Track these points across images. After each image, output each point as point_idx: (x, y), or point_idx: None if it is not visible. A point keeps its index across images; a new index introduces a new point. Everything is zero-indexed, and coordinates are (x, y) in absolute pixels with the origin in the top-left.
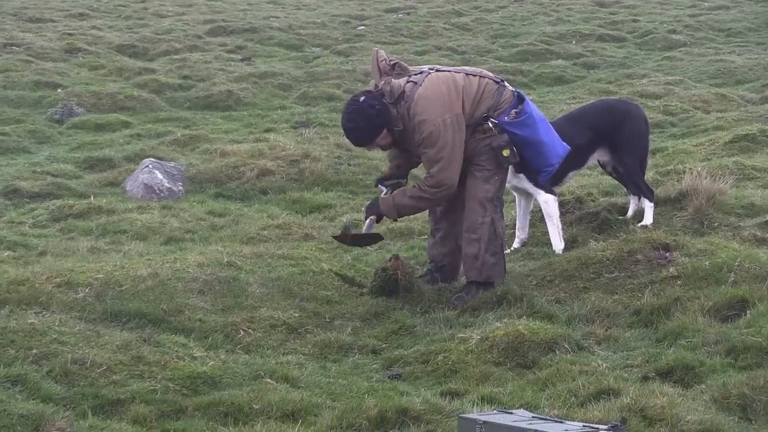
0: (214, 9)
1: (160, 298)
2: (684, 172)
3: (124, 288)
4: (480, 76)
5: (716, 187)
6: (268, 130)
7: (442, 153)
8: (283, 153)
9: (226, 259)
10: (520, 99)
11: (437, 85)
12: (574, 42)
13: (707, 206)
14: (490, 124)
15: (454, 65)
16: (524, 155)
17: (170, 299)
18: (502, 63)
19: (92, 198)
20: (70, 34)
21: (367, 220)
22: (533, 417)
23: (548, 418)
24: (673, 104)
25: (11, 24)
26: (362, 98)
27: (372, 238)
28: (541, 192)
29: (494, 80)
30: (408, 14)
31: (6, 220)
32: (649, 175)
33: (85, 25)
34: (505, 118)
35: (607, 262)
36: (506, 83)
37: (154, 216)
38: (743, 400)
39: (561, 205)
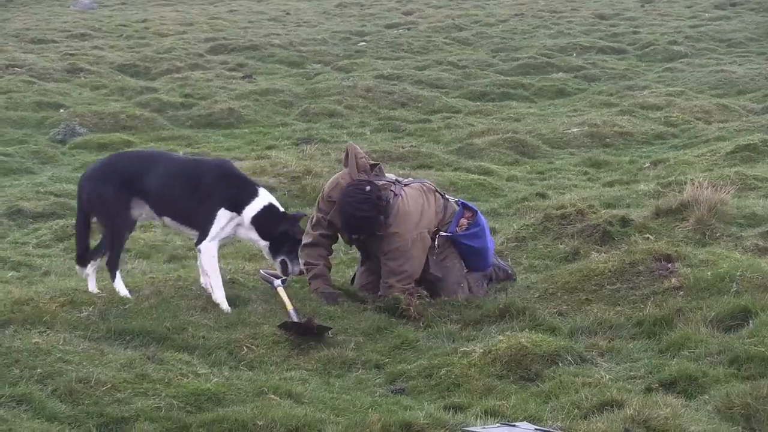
0: (215, 27)
1: (163, 316)
2: (685, 182)
3: (127, 306)
4: (436, 192)
5: (718, 197)
6: (269, 147)
7: (404, 266)
8: (285, 170)
9: (228, 277)
10: (466, 207)
11: (416, 199)
12: (574, 55)
13: (709, 217)
14: (438, 240)
15: (455, 80)
16: (468, 260)
17: (173, 317)
18: (502, 77)
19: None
20: (71, 55)
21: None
22: (536, 429)
23: (551, 430)
24: (675, 115)
25: (13, 45)
26: (368, 188)
27: (323, 329)
28: None
29: (441, 195)
30: (408, 29)
31: (10, 240)
32: (651, 186)
33: (86, 46)
34: (455, 228)
35: (609, 273)
36: (448, 196)
37: (156, 234)
38: (747, 410)
39: (562, 217)
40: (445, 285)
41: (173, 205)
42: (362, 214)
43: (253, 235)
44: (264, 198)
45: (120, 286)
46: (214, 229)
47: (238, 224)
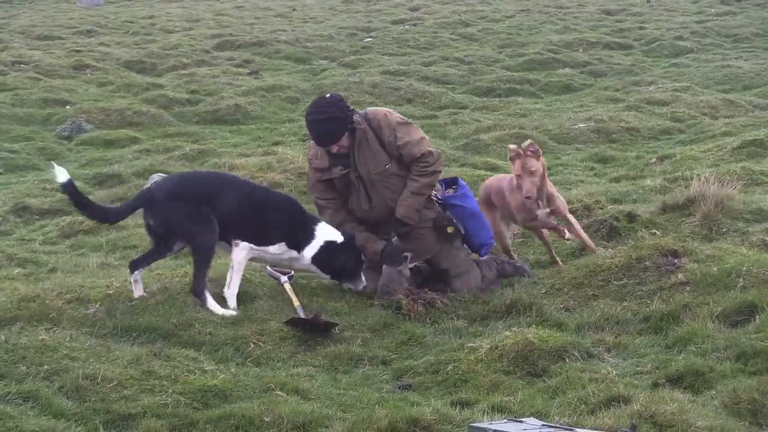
0: (221, 23)
1: (170, 313)
2: (692, 178)
3: (134, 303)
4: None
5: (724, 192)
6: (276, 143)
7: (420, 132)
8: (292, 166)
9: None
10: (454, 181)
11: None
12: (581, 50)
13: (715, 212)
14: (433, 198)
15: (461, 76)
16: (468, 227)
17: (180, 313)
18: (509, 72)
19: None
20: (78, 51)
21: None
22: (543, 425)
23: (558, 426)
24: (681, 111)
25: (19, 42)
26: (328, 95)
27: (330, 325)
28: None
29: None
30: (414, 25)
31: (16, 237)
32: (658, 181)
33: (93, 42)
34: (444, 193)
35: (616, 269)
36: None
37: None
38: (753, 405)
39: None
40: (457, 277)
41: (237, 232)
42: (328, 115)
43: (314, 269)
44: (322, 236)
45: (215, 306)
46: (266, 249)
47: (296, 259)
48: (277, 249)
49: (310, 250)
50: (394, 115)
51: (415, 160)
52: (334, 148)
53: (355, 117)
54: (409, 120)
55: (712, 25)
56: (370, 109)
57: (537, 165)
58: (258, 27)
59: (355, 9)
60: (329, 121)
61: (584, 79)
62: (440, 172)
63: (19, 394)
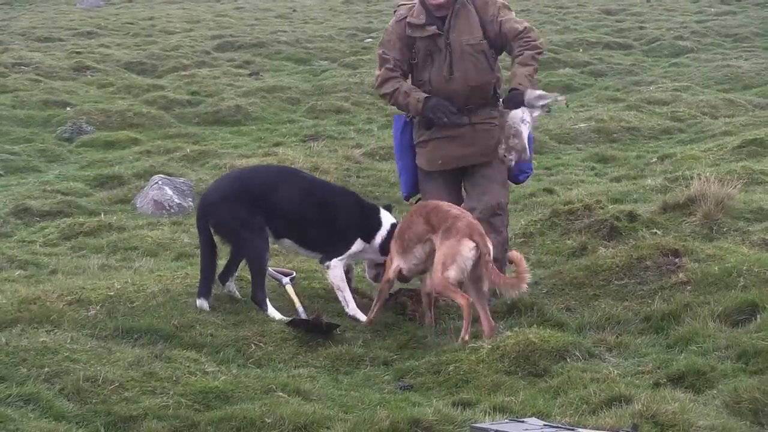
0: (221, 24)
1: (171, 314)
2: (692, 177)
3: (135, 304)
4: None
5: (725, 192)
6: (277, 144)
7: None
8: (293, 166)
9: (236, 274)
10: None
11: None
12: (581, 50)
13: (716, 211)
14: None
15: None
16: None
17: (181, 315)
18: (509, 73)
19: (102, 215)
20: (78, 53)
21: None
22: (545, 425)
23: (560, 426)
24: (681, 110)
25: (20, 44)
26: None
27: (332, 326)
28: None
29: None
30: None
31: (17, 239)
32: (658, 181)
33: (93, 44)
34: None
35: (617, 269)
36: None
37: (164, 232)
38: (755, 405)
39: (570, 212)
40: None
41: (302, 229)
42: None
43: (376, 255)
44: (387, 222)
45: (274, 312)
46: (348, 253)
47: (366, 251)
48: (358, 246)
49: (379, 237)
50: None
51: (517, 35)
52: None
53: None
54: None
55: (712, 24)
56: None
57: None
58: (258, 28)
59: (355, 10)
60: None
61: (584, 79)
62: (543, 50)
63: (19, 397)
